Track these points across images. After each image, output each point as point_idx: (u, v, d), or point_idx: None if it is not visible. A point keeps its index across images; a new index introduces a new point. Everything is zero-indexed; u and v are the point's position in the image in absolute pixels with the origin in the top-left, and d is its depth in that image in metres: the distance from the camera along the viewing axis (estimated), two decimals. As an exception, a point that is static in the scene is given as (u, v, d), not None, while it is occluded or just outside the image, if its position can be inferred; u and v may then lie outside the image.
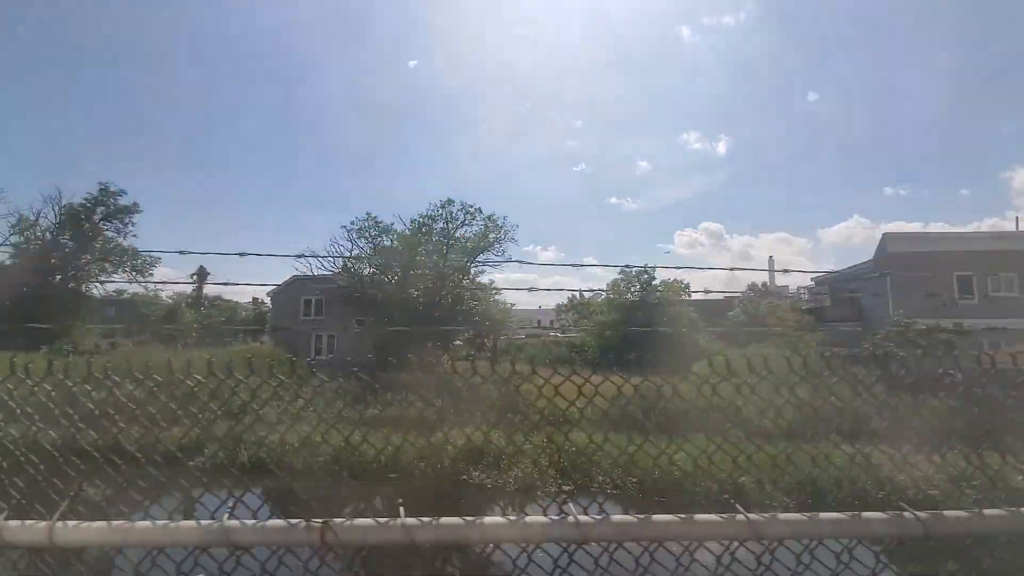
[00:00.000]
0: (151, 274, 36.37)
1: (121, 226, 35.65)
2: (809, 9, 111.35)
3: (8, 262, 33.67)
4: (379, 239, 24.52)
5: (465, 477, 12.25)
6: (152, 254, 36.55)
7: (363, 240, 24.57)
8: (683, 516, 1.11)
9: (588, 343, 33.46)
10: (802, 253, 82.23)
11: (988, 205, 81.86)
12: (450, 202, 24.43)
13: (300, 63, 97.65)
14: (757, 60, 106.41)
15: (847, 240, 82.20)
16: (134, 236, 36.09)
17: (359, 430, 13.81)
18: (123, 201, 35.88)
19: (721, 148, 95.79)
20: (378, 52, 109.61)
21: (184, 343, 25.82)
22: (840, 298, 27.44)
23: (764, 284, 38.48)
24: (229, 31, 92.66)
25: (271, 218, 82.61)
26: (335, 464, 12.76)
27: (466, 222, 24.39)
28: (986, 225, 70.88)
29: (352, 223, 23.85)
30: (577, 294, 36.76)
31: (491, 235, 25.48)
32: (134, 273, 36.13)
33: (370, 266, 24.66)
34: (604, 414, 1.37)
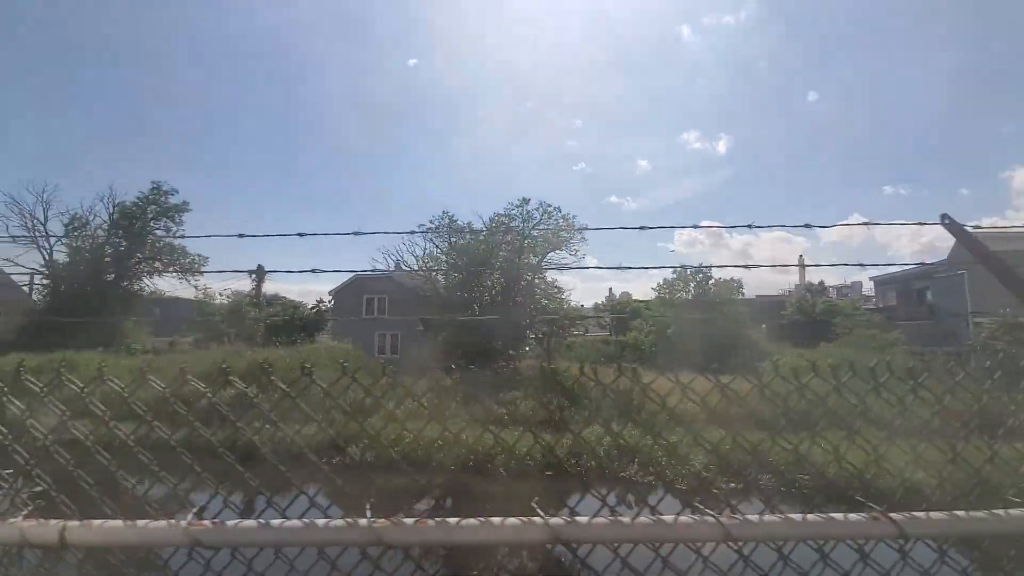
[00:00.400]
0: (201, 273, 36.39)
1: (173, 225, 35.64)
2: (809, 9, 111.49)
3: (63, 260, 33.61)
4: (454, 238, 24.48)
5: (625, 475, 12.26)
6: (201, 247, 36.39)
7: (438, 239, 24.53)
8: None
9: (642, 341, 33.47)
10: (803, 252, 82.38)
11: (988, 205, 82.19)
12: (525, 201, 24.43)
13: (299, 62, 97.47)
14: (757, 60, 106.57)
15: (847, 239, 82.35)
16: (182, 236, 36.11)
17: (493, 429, 13.77)
18: (172, 200, 35.91)
19: (721, 147, 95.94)
20: (377, 51, 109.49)
21: (255, 342, 25.77)
22: (908, 297, 27.45)
23: (821, 283, 38.60)
24: (228, 30, 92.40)
25: (269, 217, 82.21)
26: (488, 462, 12.77)
27: (542, 221, 24.35)
28: (985, 225, 71.13)
29: (431, 220, 23.79)
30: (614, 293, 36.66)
31: (563, 233, 25.45)
32: (183, 272, 36.13)
33: (446, 265, 24.63)
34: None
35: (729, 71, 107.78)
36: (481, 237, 23.79)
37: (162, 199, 35.25)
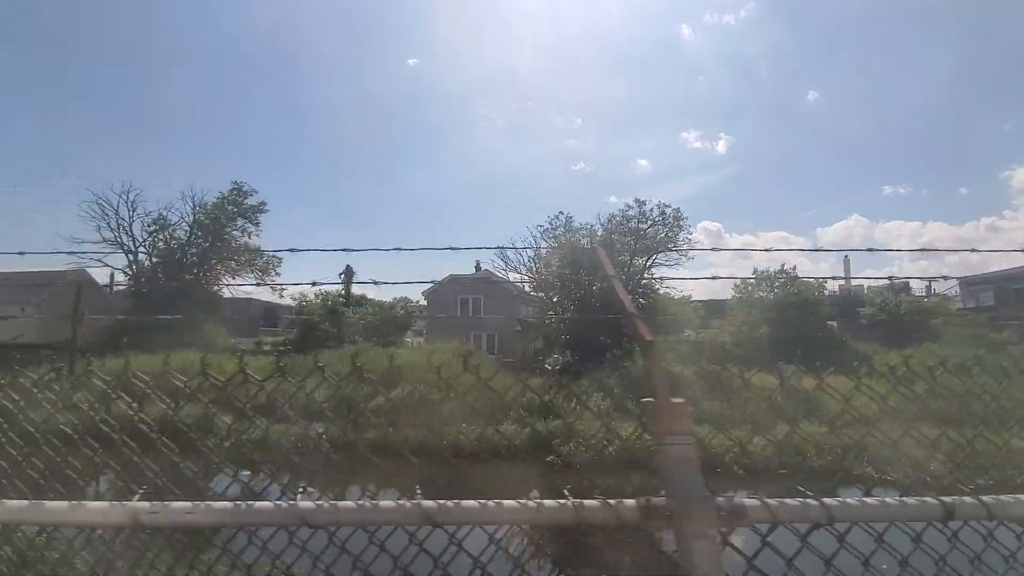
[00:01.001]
0: (277, 273, 36.37)
1: (250, 225, 35.65)
2: (809, 8, 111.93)
3: (145, 261, 33.58)
4: (570, 238, 24.60)
5: (843, 474, 12.41)
6: (275, 253, 36.43)
7: (552, 240, 24.63)
8: None
9: (723, 341, 33.62)
10: (802, 252, 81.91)
11: (987, 204, 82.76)
12: (641, 203, 24.55)
13: (298, 62, 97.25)
14: (757, 59, 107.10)
15: (846, 239, 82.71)
16: (257, 236, 36.13)
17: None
18: (249, 200, 35.89)
19: (721, 147, 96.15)
20: (377, 50, 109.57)
21: (386, 342, 25.88)
22: (1006, 297, 27.67)
23: (906, 283, 38.82)
24: (227, 29, 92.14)
25: (267, 216, 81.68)
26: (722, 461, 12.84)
27: (657, 222, 24.49)
28: (984, 225, 71.75)
29: (548, 221, 23.91)
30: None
31: (669, 233, 25.61)
32: (260, 273, 36.15)
33: (561, 266, 24.72)
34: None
35: (729, 70, 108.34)
36: (599, 236, 23.88)
37: (241, 199, 35.27)
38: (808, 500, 1.16)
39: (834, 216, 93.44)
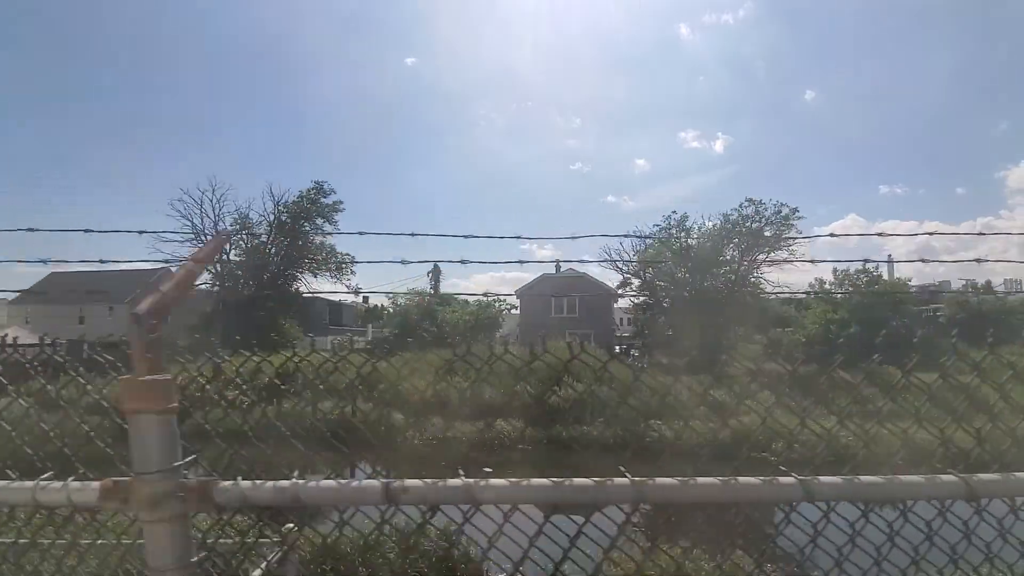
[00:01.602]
0: (353, 272, 36.34)
1: (328, 224, 35.57)
2: (807, 8, 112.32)
3: (232, 262, 33.47)
4: (678, 238, 24.69)
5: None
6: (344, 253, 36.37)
7: (666, 239, 24.73)
8: None
9: (796, 341, 33.76)
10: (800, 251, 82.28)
11: (983, 204, 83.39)
12: (752, 202, 24.63)
13: (295, 61, 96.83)
14: (755, 59, 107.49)
15: (844, 240, 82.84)
16: (331, 235, 36.11)
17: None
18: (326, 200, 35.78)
19: (719, 146, 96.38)
20: (375, 50, 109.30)
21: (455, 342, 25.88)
22: (1102, 296, 27.84)
23: (988, 282, 38.99)
24: (225, 27, 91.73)
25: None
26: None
27: (770, 220, 24.60)
28: (980, 224, 72.29)
29: (664, 219, 24.03)
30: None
31: (778, 231, 25.73)
32: (337, 272, 36.15)
33: (672, 265, 24.81)
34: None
35: (727, 70, 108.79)
36: (714, 233, 24.01)
37: (320, 198, 35.21)
38: (281, 483, 1.07)
39: (832, 216, 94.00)
